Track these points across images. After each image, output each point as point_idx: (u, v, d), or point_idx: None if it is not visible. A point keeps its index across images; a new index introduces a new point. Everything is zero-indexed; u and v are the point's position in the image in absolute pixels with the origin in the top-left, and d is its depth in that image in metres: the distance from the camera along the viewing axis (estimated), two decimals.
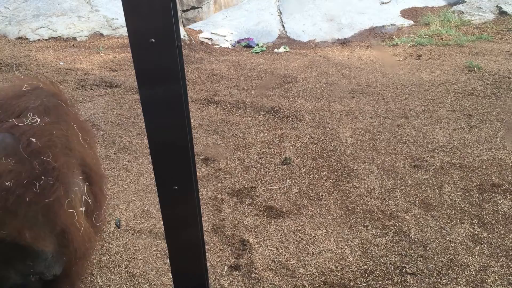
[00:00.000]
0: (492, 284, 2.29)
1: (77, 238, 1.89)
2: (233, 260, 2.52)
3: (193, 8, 8.74)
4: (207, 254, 2.54)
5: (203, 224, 2.77)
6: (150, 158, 1.44)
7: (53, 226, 1.78)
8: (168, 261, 2.10)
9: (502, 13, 7.93)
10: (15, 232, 1.66)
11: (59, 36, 6.74)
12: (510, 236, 2.62)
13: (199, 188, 3.19)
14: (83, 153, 2.06)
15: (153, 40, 1.34)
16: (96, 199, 2.08)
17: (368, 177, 3.26)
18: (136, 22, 1.33)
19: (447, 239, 2.61)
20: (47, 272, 1.78)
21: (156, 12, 1.29)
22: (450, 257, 2.48)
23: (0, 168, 1.69)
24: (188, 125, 1.57)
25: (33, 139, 1.84)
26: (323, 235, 2.70)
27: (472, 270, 2.39)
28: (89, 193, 2.00)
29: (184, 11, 8.66)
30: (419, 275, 2.36)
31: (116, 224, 2.80)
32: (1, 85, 2.13)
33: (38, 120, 1.91)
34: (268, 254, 2.55)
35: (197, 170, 3.43)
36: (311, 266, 2.46)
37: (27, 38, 6.60)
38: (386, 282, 2.34)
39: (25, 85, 2.06)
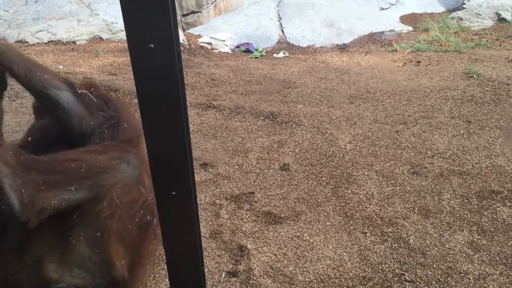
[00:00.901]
0: None
1: (141, 270, 1.96)
2: (231, 266, 2.50)
3: (193, 12, 8.76)
4: (204, 260, 2.53)
5: (201, 229, 2.75)
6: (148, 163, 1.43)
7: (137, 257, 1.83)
8: (166, 266, 2.08)
9: (501, 19, 7.96)
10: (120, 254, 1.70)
11: (59, 40, 6.74)
12: (509, 243, 2.61)
13: (197, 193, 3.18)
14: None
15: (152, 45, 1.33)
16: None
17: (367, 183, 3.25)
18: (135, 27, 1.32)
19: (446, 246, 2.60)
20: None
21: (155, 17, 1.28)
22: (449, 265, 2.46)
23: (144, 197, 1.73)
24: (187, 130, 1.56)
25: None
26: (321, 241, 2.69)
27: (471, 278, 2.37)
28: None
29: (183, 15, 8.68)
30: (418, 283, 2.35)
31: None
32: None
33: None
34: (266, 260, 2.54)
35: (195, 175, 3.42)
36: (309, 273, 2.44)
37: (26, 42, 6.60)
38: None
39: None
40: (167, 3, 1.26)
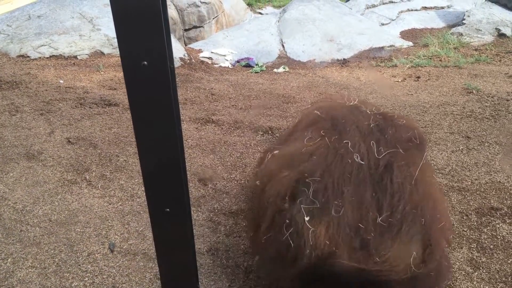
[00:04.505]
0: None
1: None
2: (227, 284, 2.48)
3: (195, 27, 8.82)
4: (201, 277, 2.50)
5: (198, 246, 2.73)
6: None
7: None
8: (160, 283, 2.06)
9: (501, 35, 8.00)
10: None
11: (60, 54, 6.78)
12: (509, 261, 2.58)
13: (195, 208, 3.16)
14: None
15: (145, 62, 1.34)
16: None
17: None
18: (128, 45, 1.33)
19: None
20: None
21: (149, 35, 1.29)
22: (448, 283, 2.43)
23: None
24: (181, 147, 1.55)
25: None
26: None
27: None
28: None
29: (185, 30, 8.75)
30: None
31: (109, 248, 2.75)
32: None
33: None
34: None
35: (193, 190, 3.41)
36: None
37: (28, 56, 6.64)
38: None
39: None
40: (160, 21, 1.27)
